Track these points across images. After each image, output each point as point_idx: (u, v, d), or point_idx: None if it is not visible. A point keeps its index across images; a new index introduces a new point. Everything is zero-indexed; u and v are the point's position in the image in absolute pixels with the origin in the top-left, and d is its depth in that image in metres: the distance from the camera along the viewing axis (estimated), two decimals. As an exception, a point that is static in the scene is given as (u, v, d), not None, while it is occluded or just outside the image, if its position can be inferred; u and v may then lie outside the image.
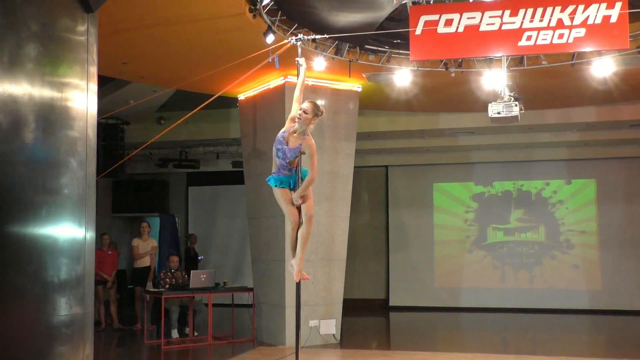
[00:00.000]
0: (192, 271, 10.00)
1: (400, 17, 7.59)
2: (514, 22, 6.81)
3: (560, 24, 6.72)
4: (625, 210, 13.50)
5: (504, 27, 6.83)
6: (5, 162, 3.63)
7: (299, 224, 5.43)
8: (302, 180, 5.43)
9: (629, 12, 6.57)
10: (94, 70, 4.37)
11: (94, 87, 4.37)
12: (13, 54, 3.69)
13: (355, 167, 10.03)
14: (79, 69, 4.24)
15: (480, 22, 6.87)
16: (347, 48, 8.31)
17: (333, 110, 9.55)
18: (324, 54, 8.24)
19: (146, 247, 11.32)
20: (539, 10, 6.75)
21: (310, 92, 8.85)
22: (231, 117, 12.73)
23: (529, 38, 6.78)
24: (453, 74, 8.55)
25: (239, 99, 10.27)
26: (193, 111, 7.62)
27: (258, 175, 9.48)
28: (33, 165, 3.83)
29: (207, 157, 14.50)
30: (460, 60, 8.44)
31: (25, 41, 3.79)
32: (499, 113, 7.12)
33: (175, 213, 15.45)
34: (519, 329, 11.91)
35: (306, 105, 5.31)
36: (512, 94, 7.21)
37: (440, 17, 6.95)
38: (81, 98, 4.23)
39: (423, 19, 6.98)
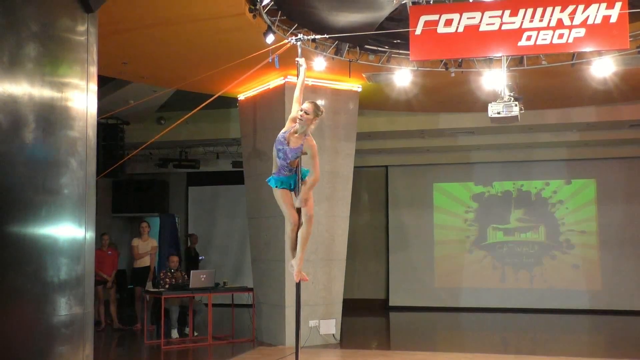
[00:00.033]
0: (192, 271, 10.00)
1: (400, 17, 7.59)
2: (514, 22, 6.81)
3: (560, 24, 6.72)
4: (625, 210, 13.50)
5: (504, 27, 6.83)
6: (5, 162, 3.63)
7: (299, 225, 5.43)
8: (302, 180, 5.43)
9: (629, 12, 6.57)
10: (94, 70, 4.37)
11: (94, 87, 4.37)
12: (13, 54, 3.70)
13: (355, 167, 10.03)
14: (79, 69, 4.24)
15: (480, 22, 6.87)
16: (347, 48, 8.31)
17: (333, 110, 9.55)
18: (324, 54, 8.24)
19: (146, 247, 11.32)
20: (539, 10, 6.75)
21: (310, 92, 8.85)
22: (231, 117, 12.73)
23: (528, 38, 6.78)
24: (453, 74, 8.55)
25: (239, 99, 10.27)
26: (193, 111, 7.62)
27: (258, 175, 9.48)
28: (33, 165, 3.83)
29: (207, 157, 14.50)
30: (460, 60, 8.44)
31: (25, 41, 3.79)
32: (499, 113, 7.12)
33: (175, 213, 15.45)
34: (519, 329, 11.91)
35: (307, 105, 5.30)
36: (512, 94, 7.21)
37: (440, 17, 6.95)
38: (81, 98, 4.23)
39: (423, 19, 6.98)
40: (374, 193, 14.93)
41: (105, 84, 10.46)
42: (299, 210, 5.40)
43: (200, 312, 10.41)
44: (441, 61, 8.44)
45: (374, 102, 10.66)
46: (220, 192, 15.25)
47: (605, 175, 13.66)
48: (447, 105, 11.25)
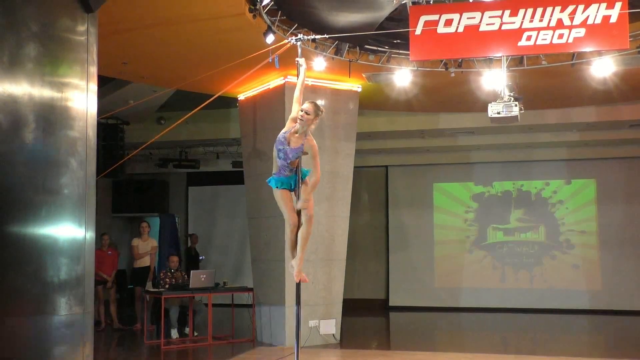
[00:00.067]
0: (192, 271, 10.00)
1: (400, 17, 7.59)
2: (514, 22, 6.80)
3: (560, 24, 6.72)
4: (625, 210, 13.50)
5: (504, 27, 6.83)
6: (5, 162, 3.64)
7: (298, 226, 5.43)
8: (303, 180, 5.43)
9: (629, 12, 6.57)
10: (94, 70, 4.37)
11: (94, 87, 4.37)
12: (13, 54, 3.70)
13: (355, 167, 10.03)
14: (79, 69, 4.24)
15: (480, 22, 6.87)
16: (347, 48, 8.31)
17: (333, 110, 9.55)
18: (324, 54, 8.24)
19: (146, 247, 11.32)
20: (539, 10, 6.75)
21: (310, 92, 8.85)
22: (231, 117, 12.73)
23: (528, 38, 6.77)
24: (453, 74, 8.55)
25: (239, 99, 10.27)
26: (193, 111, 7.62)
27: (258, 175, 9.48)
28: (33, 165, 3.84)
29: (207, 157, 14.50)
30: (460, 60, 8.43)
31: (25, 41, 3.80)
32: (499, 113, 7.12)
33: (175, 213, 15.45)
34: (519, 329, 11.91)
35: (307, 105, 5.30)
36: (512, 94, 7.21)
37: (440, 17, 6.95)
38: (81, 98, 4.24)
39: (423, 19, 6.98)
40: (374, 193, 14.93)
41: (105, 84, 10.45)
42: (299, 212, 5.40)
43: (200, 312, 10.41)
44: (441, 61, 8.44)
45: (374, 102, 10.66)
46: (220, 192, 15.26)
47: (605, 175, 13.66)
48: (447, 105, 11.25)
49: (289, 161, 5.33)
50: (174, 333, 9.97)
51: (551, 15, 6.72)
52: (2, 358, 3.57)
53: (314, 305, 9.31)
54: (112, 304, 11.28)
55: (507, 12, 6.81)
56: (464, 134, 12.82)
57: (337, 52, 8.26)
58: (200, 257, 13.94)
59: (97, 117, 4.43)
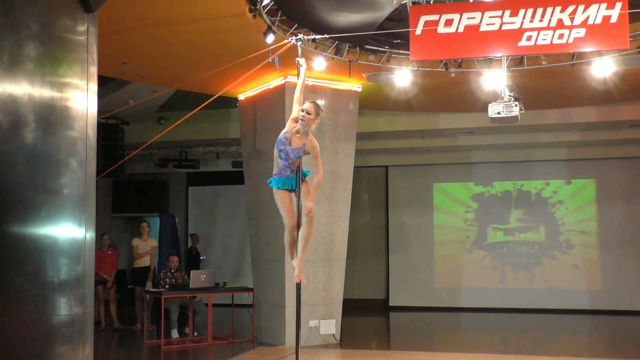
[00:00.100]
0: (192, 271, 10.00)
1: (400, 17, 7.59)
2: (514, 22, 6.81)
3: (560, 24, 6.72)
4: (625, 210, 13.50)
5: (504, 27, 6.83)
6: (5, 162, 3.63)
7: (298, 227, 5.43)
8: (303, 180, 5.43)
9: (629, 12, 6.57)
10: (94, 70, 4.37)
11: (94, 87, 4.37)
12: (13, 54, 3.69)
13: (355, 167, 10.03)
14: (79, 69, 4.24)
15: (480, 22, 6.87)
16: (347, 48, 8.31)
17: (333, 110, 9.55)
18: (324, 54, 8.24)
19: (146, 247, 11.33)
20: (539, 11, 6.75)
21: (310, 92, 8.84)
22: (231, 117, 12.73)
23: (529, 38, 6.78)
24: (453, 74, 8.55)
25: (239, 99, 10.27)
26: (193, 111, 7.62)
27: (258, 175, 9.48)
28: (33, 165, 3.83)
29: (207, 157, 14.50)
30: (460, 60, 8.43)
31: (25, 41, 3.79)
32: (499, 113, 7.11)
33: (175, 213, 15.45)
34: (519, 329, 11.90)
35: (308, 105, 5.31)
36: (512, 94, 7.20)
37: (440, 17, 6.95)
38: (81, 98, 4.23)
39: (423, 19, 6.98)
40: (374, 193, 14.93)
41: (105, 84, 10.46)
42: (298, 215, 5.40)
43: (200, 312, 10.41)
44: (441, 61, 8.44)
45: (374, 102, 10.66)
46: (220, 192, 15.26)
47: (605, 175, 13.66)
48: (447, 105, 11.25)
49: (290, 161, 5.34)
50: (174, 333, 9.97)
51: (551, 16, 6.72)
52: (2, 358, 3.57)
53: (314, 305, 9.31)
54: (112, 304, 11.28)
55: (507, 12, 6.82)
56: (464, 134, 12.82)
57: (337, 52, 8.26)
58: (201, 257, 13.94)
59: (97, 117, 4.42)
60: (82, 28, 4.27)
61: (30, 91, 3.79)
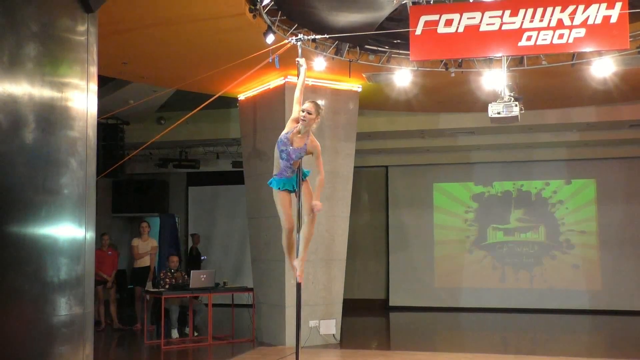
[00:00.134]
0: (192, 271, 10.00)
1: (400, 17, 7.59)
2: (514, 22, 6.81)
3: (560, 24, 6.72)
4: (625, 210, 13.50)
5: (504, 27, 6.83)
6: (5, 162, 3.63)
7: (295, 230, 5.43)
8: (303, 180, 5.43)
9: (629, 12, 6.57)
10: (94, 70, 4.37)
11: (94, 87, 4.37)
12: (13, 54, 3.69)
13: (355, 167, 10.03)
14: (79, 69, 4.24)
15: (480, 22, 6.87)
16: (347, 48, 8.31)
17: (333, 110, 9.55)
18: (324, 54, 8.24)
19: (146, 247, 11.32)
20: (539, 11, 6.75)
21: (310, 92, 8.84)
22: (231, 117, 12.73)
23: (529, 38, 6.78)
24: (453, 74, 8.54)
25: (239, 99, 10.27)
26: (193, 111, 7.62)
27: (258, 175, 9.48)
28: (33, 165, 3.83)
29: (207, 157, 14.50)
30: (460, 60, 8.43)
31: (25, 41, 3.79)
32: (499, 113, 7.11)
33: (175, 213, 15.45)
34: (519, 329, 11.90)
35: (308, 105, 5.31)
36: (512, 94, 7.20)
37: (440, 17, 6.95)
38: (81, 98, 4.23)
39: (423, 19, 6.98)
40: (374, 193, 14.93)
41: (105, 84, 10.46)
42: (297, 216, 5.40)
43: (200, 312, 10.41)
44: (441, 61, 8.44)
45: (374, 102, 10.66)
46: (220, 192, 15.26)
47: (605, 175, 13.66)
48: (447, 105, 11.25)
49: (291, 162, 5.34)
50: (174, 333, 9.97)
51: (551, 16, 6.73)
52: (2, 358, 3.57)
53: (314, 305, 9.31)
54: (112, 304, 11.28)
55: (507, 12, 6.82)
56: (464, 134, 12.82)
57: (337, 52, 8.26)
58: (202, 257, 13.93)
59: (97, 117, 4.42)
60: (82, 28, 4.27)
61: (30, 91, 3.79)
